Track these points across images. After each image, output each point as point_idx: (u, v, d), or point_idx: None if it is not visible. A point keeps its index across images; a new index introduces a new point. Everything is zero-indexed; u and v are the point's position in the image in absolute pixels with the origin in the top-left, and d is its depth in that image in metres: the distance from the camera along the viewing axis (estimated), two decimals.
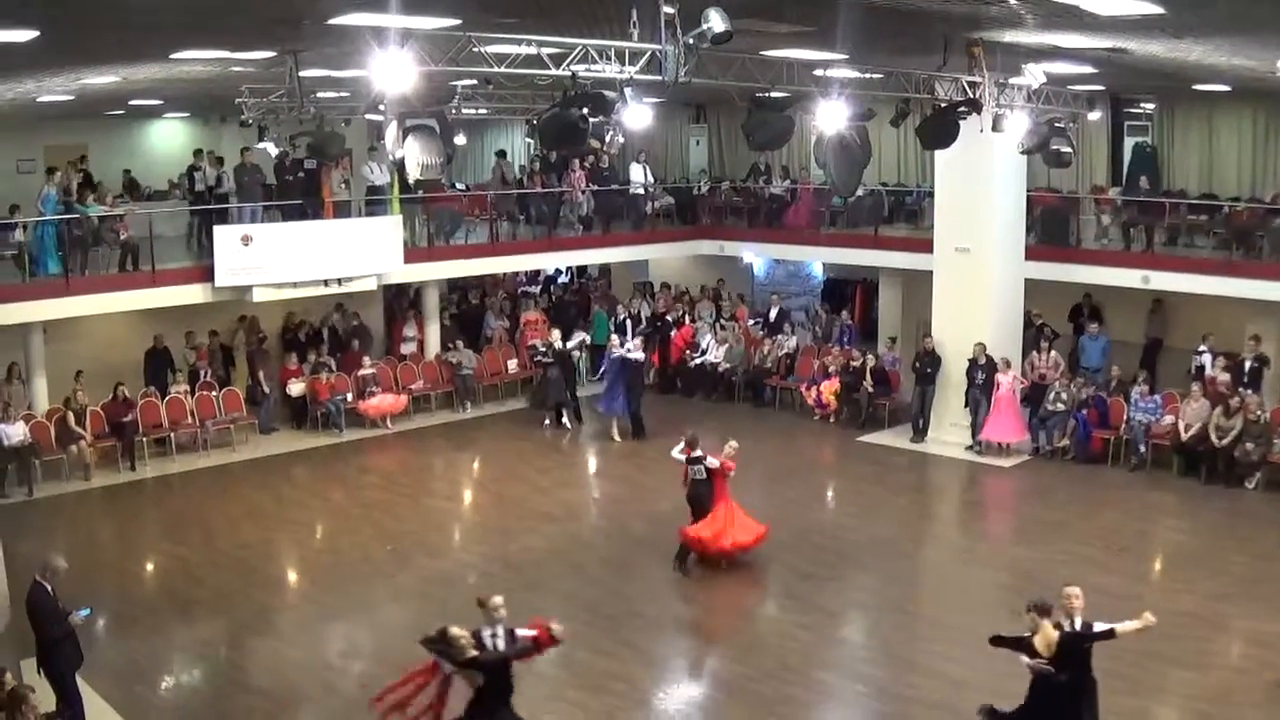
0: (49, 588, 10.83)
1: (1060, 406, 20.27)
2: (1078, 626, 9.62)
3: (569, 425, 23.17)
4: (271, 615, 14.37)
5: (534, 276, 31.88)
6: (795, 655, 12.96)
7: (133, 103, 23.87)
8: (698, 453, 15.51)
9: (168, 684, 12.80)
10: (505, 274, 29.90)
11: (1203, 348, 20.89)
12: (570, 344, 23.70)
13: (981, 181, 20.43)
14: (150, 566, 16.55)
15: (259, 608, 14.49)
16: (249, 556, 16.33)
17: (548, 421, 23.19)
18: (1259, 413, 18.52)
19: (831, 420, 23.09)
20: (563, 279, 32.76)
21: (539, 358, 23.48)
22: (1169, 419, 19.49)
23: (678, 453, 15.66)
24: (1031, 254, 21.73)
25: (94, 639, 12.41)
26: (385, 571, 15.69)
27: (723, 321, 26.59)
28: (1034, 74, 16.60)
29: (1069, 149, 18.50)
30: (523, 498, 18.87)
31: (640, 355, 22.68)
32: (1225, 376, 19.85)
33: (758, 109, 15.13)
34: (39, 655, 10.92)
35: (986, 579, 15.29)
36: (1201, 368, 20.57)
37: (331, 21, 11.75)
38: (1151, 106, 24.15)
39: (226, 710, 11.97)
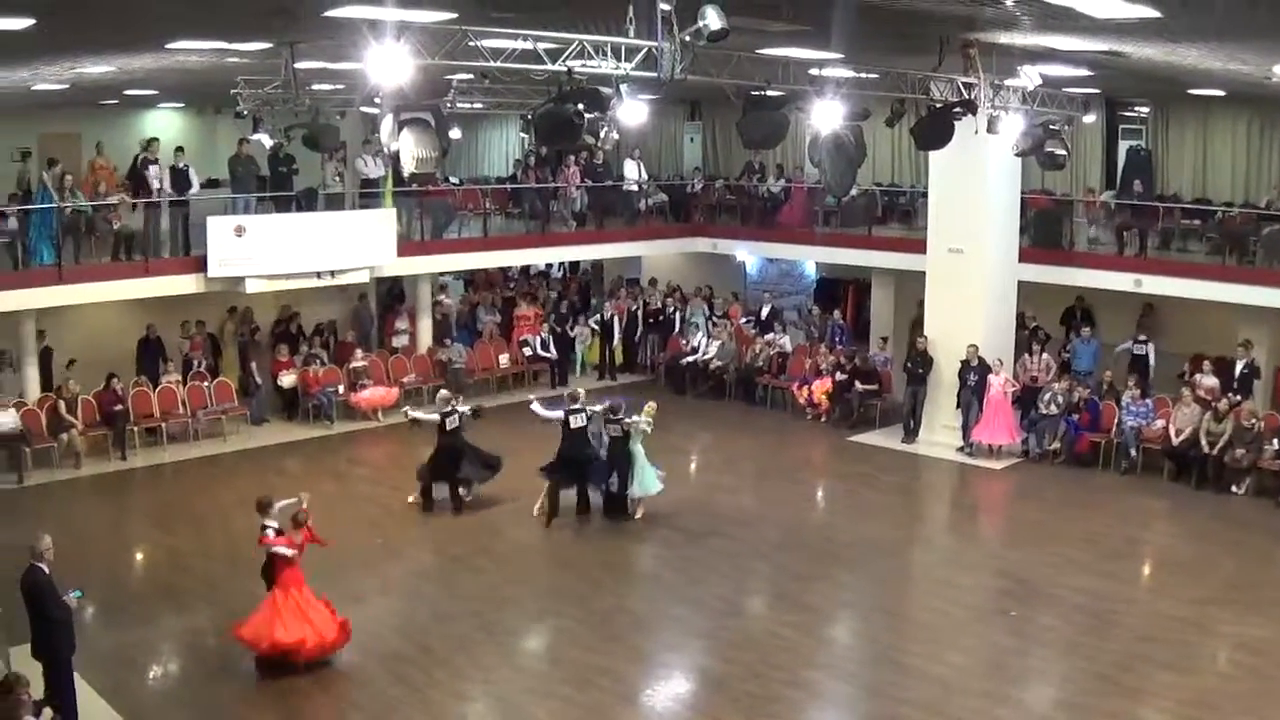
0: (45, 568, 10.73)
1: (1054, 409, 20.27)
2: None
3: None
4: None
5: (525, 271, 31.77)
6: (783, 654, 12.97)
7: (128, 92, 23.79)
8: (269, 521, 12.68)
9: (156, 673, 12.84)
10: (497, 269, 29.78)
11: (1142, 336, 21.73)
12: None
13: (975, 183, 20.42)
14: (140, 555, 16.57)
15: (248, 597, 14.36)
16: (239, 546, 16.23)
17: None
18: (1252, 420, 18.55)
19: (823, 420, 23.09)
20: (555, 274, 32.67)
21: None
22: (1160, 423, 19.52)
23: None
24: (1025, 256, 21.72)
25: (83, 627, 12.33)
26: (373, 564, 15.68)
27: (715, 319, 26.62)
28: (1029, 76, 16.61)
29: (1063, 151, 18.57)
30: (512, 491, 18.84)
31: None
32: (1212, 382, 19.88)
33: (753, 107, 15.10)
34: (36, 639, 10.81)
35: (975, 581, 15.29)
36: (1143, 356, 21.37)
37: (328, 14, 11.74)
38: (1146, 110, 24.15)
39: (215, 699, 11.96)
